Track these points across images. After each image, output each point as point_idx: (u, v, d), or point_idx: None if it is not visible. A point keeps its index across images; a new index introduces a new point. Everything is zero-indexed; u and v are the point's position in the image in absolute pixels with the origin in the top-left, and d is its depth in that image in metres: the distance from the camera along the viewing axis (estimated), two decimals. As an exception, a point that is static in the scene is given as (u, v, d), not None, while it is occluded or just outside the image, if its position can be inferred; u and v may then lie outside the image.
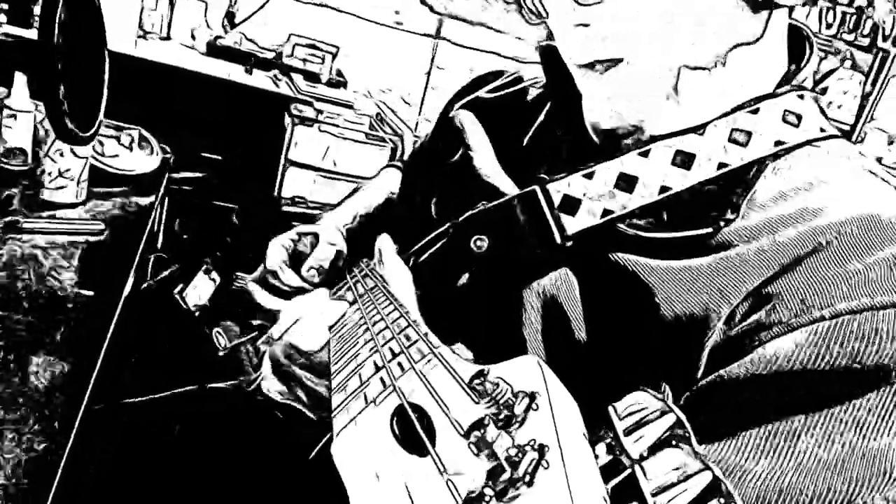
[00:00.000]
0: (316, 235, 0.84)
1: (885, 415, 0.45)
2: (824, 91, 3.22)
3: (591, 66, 0.58)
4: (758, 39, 0.57)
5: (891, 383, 0.45)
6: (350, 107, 2.40)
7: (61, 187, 1.29)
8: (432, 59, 2.90)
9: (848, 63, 3.30)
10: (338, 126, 2.24)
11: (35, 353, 0.85)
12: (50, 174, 1.27)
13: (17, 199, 1.25)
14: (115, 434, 0.89)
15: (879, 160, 3.49)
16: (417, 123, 2.95)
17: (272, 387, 0.66)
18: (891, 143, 3.49)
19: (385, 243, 0.66)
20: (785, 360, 0.48)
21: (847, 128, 3.39)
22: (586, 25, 0.56)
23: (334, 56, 2.56)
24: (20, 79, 1.32)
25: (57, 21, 0.96)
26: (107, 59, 1.27)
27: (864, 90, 3.35)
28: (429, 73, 2.92)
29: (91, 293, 1.00)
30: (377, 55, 2.77)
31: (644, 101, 0.58)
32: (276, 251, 0.81)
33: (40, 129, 1.32)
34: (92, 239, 1.20)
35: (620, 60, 0.56)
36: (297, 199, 2.22)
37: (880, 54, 3.29)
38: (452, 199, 0.69)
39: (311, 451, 0.68)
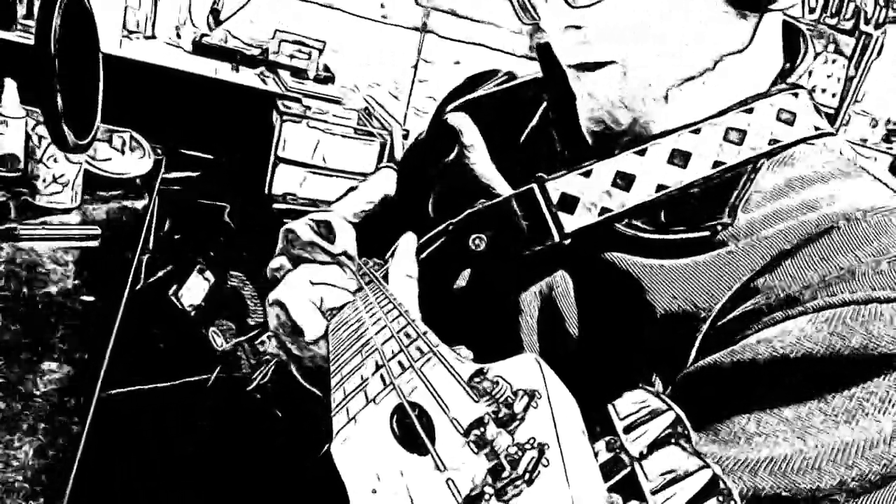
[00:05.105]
0: (329, 224, 0.83)
1: (863, 408, 0.45)
2: (809, 74, 3.24)
3: (582, 67, 0.58)
4: (746, 47, 0.57)
5: (871, 377, 0.46)
6: (338, 102, 2.39)
7: (56, 193, 1.29)
8: (419, 53, 2.89)
9: (832, 47, 3.32)
10: (326, 122, 2.23)
11: (40, 362, 0.85)
12: (44, 180, 1.28)
13: (13, 205, 1.24)
14: (125, 424, 0.90)
15: (864, 142, 3.51)
16: (406, 116, 2.94)
17: (272, 347, 0.65)
18: (874, 125, 3.51)
19: (408, 241, 0.66)
20: (768, 350, 0.48)
21: (832, 111, 3.41)
22: (578, 28, 0.56)
23: (321, 52, 2.54)
24: (10, 85, 1.31)
25: (53, 30, 0.96)
26: (101, 66, 1.26)
27: (848, 73, 3.37)
28: (416, 67, 2.90)
29: (92, 298, 1.00)
30: (364, 50, 2.76)
31: (637, 103, 0.58)
32: (305, 229, 0.78)
33: (33, 135, 1.31)
34: (88, 244, 1.20)
35: (613, 63, 0.56)
36: (287, 196, 2.21)
37: (863, 38, 3.31)
38: (449, 199, 0.69)
39: (311, 446, 0.68)
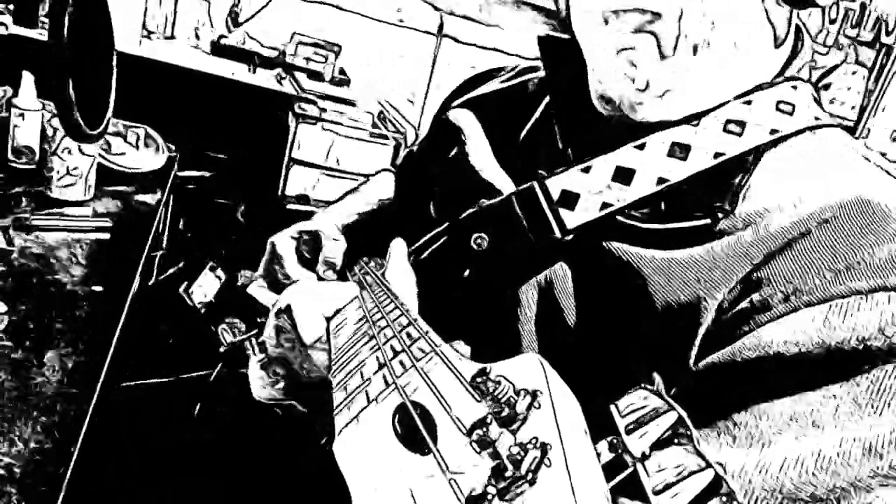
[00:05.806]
0: (317, 234, 0.83)
1: (872, 401, 0.44)
2: (827, 87, 3.21)
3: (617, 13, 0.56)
4: (783, 41, 0.59)
5: (880, 368, 0.45)
6: (353, 105, 2.40)
7: (69, 185, 1.31)
8: (435, 57, 2.90)
9: (851, 58, 3.29)
10: (341, 124, 2.24)
11: (46, 348, 0.86)
12: (58, 172, 1.30)
13: (26, 196, 1.26)
14: (126, 417, 0.91)
15: (883, 155, 3.48)
16: (421, 120, 2.95)
17: (261, 393, 0.65)
18: (895, 138, 3.48)
19: (398, 247, 0.66)
20: (774, 345, 0.48)
21: (851, 124, 3.37)
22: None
23: (337, 54, 2.56)
24: (28, 78, 1.34)
25: (66, 19, 0.97)
26: (115, 57, 1.28)
27: (868, 85, 3.34)
28: (432, 71, 2.91)
29: (100, 288, 1.02)
30: (380, 53, 2.77)
31: (655, 68, 0.57)
32: (284, 244, 0.80)
33: (48, 128, 1.34)
34: (99, 236, 1.22)
35: (659, 16, 0.54)
36: (300, 198, 2.23)
37: (884, 49, 3.28)
38: (451, 198, 0.70)
39: (313, 445, 0.68)
